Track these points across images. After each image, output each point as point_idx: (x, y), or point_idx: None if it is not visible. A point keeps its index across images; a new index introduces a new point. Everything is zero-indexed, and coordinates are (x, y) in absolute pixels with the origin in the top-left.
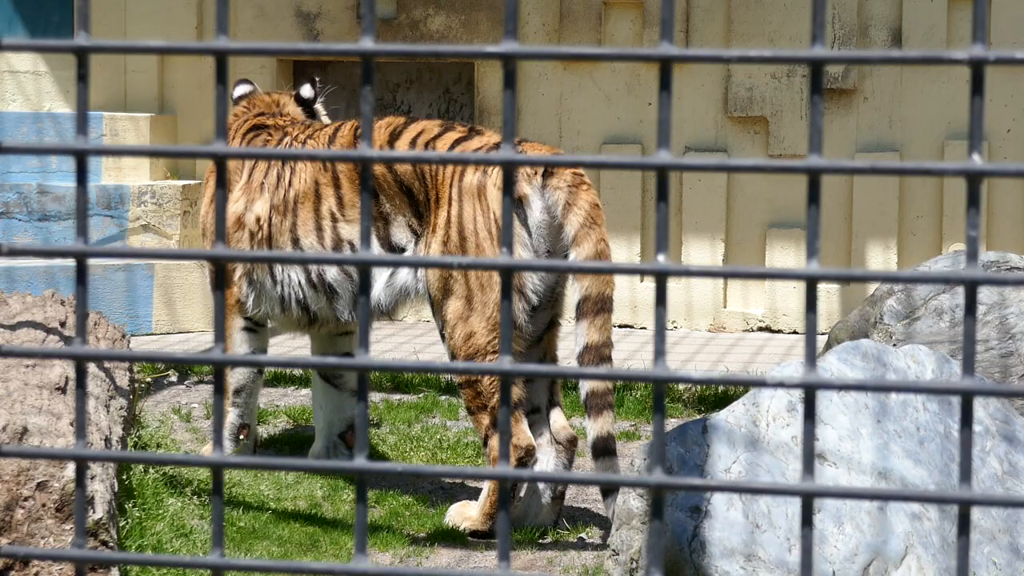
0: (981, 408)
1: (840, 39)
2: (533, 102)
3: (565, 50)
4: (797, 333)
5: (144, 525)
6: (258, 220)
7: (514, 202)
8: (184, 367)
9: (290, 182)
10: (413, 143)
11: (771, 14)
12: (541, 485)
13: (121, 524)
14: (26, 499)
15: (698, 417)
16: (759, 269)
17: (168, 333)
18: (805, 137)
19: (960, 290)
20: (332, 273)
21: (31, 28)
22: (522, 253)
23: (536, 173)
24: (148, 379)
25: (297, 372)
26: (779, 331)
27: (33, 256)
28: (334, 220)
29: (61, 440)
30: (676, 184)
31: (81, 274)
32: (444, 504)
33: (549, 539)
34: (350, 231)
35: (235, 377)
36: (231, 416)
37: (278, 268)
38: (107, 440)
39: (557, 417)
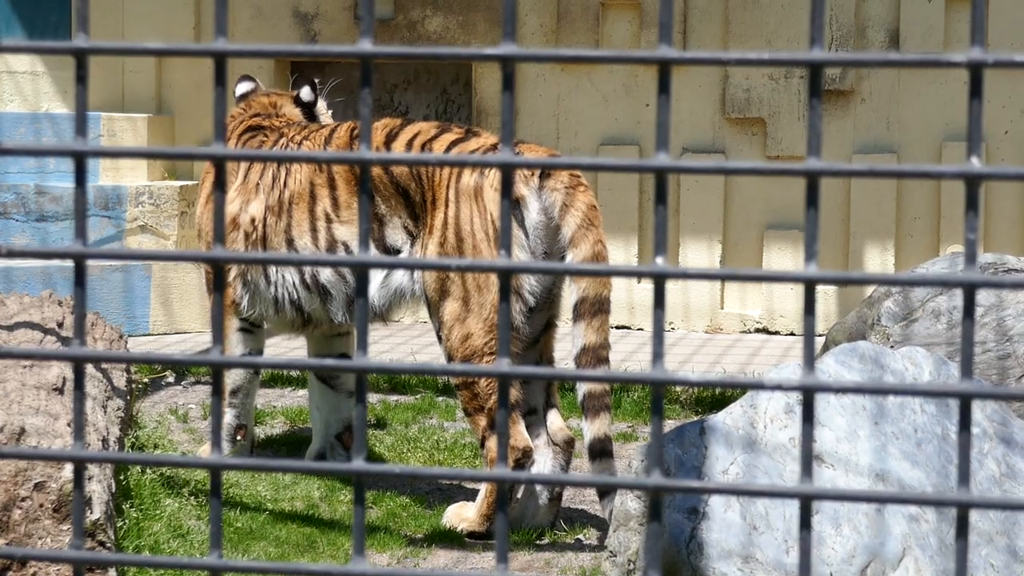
0: (979, 410)
1: (837, 40)
2: (531, 103)
3: (564, 52)
4: (794, 334)
5: (142, 526)
6: (253, 221)
7: (511, 202)
8: (182, 368)
9: (285, 183)
10: (409, 145)
11: (769, 15)
12: (539, 487)
13: (119, 524)
14: (24, 499)
15: (696, 419)
16: (758, 272)
17: (165, 333)
18: (802, 138)
19: (958, 292)
20: (326, 274)
21: (29, 28)
22: (519, 255)
23: (533, 175)
24: (145, 380)
25: (294, 373)
26: (776, 332)
27: (32, 257)
28: (328, 221)
29: (58, 441)
30: (674, 185)
31: (80, 275)
32: (441, 505)
33: (546, 540)
34: (344, 232)
35: (232, 378)
36: (228, 417)
37: (272, 269)
38: (104, 441)
39: (554, 419)
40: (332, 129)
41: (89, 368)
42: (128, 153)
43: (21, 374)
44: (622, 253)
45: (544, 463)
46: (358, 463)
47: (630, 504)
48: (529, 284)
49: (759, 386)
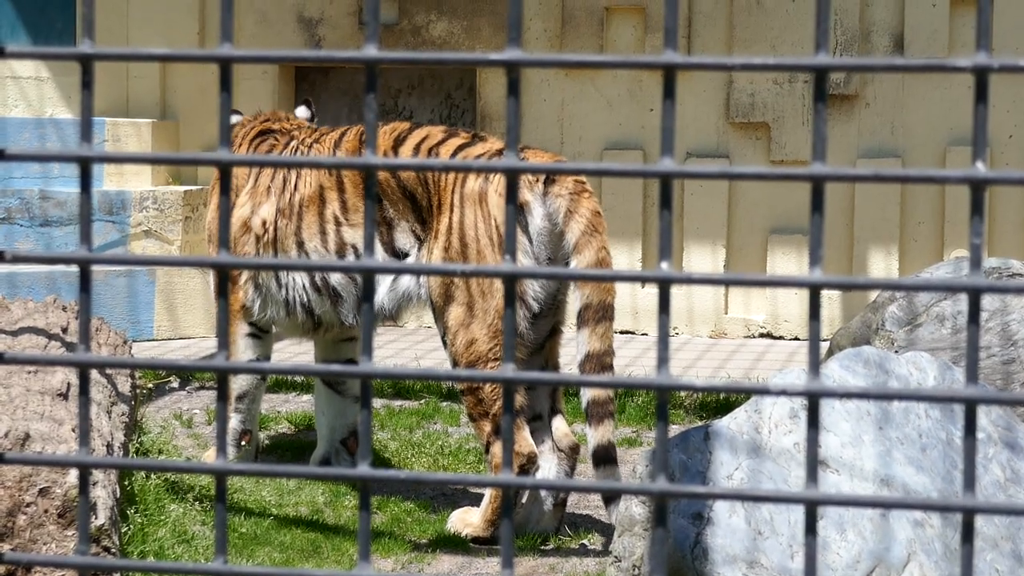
0: (983, 415)
1: (842, 45)
2: (535, 108)
3: (569, 58)
4: (799, 339)
5: (146, 531)
6: (264, 224)
7: (516, 209)
8: (186, 373)
9: (296, 186)
10: (416, 149)
11: (773, 20)
12: (543, 492)
13: (123, 530)
14: (28, 505)
15: (700, 424)
16: (762, 277)
17: (170, 339)
18: (807, 143)
19: (962, 297)
20: (336, 277)
21: (34, 34)
22: (523, 260)
23: (538, 180)
24: (150, 385)
25: (298, 378)
26: (780, 337)
27: (36, 262)
28: (338, 224)
29: (63, 446)
30: (678, 190)
31: (84, 280)
32: (446, 510)
33: (551, 545)
34: (353, 235)
35: (238, 383)
36: (233, 422)
37: (283, 271)
38: (109, 446)
39: (559, 424)
40: (342, 133)
41: (94, 373)
42: (133, 159)
43: (26, 379)
44: (626, 258)
45: (549, 469)
46: (363, 468)
47: (635, 509)
48: (533, 290)
49: (764, 391)
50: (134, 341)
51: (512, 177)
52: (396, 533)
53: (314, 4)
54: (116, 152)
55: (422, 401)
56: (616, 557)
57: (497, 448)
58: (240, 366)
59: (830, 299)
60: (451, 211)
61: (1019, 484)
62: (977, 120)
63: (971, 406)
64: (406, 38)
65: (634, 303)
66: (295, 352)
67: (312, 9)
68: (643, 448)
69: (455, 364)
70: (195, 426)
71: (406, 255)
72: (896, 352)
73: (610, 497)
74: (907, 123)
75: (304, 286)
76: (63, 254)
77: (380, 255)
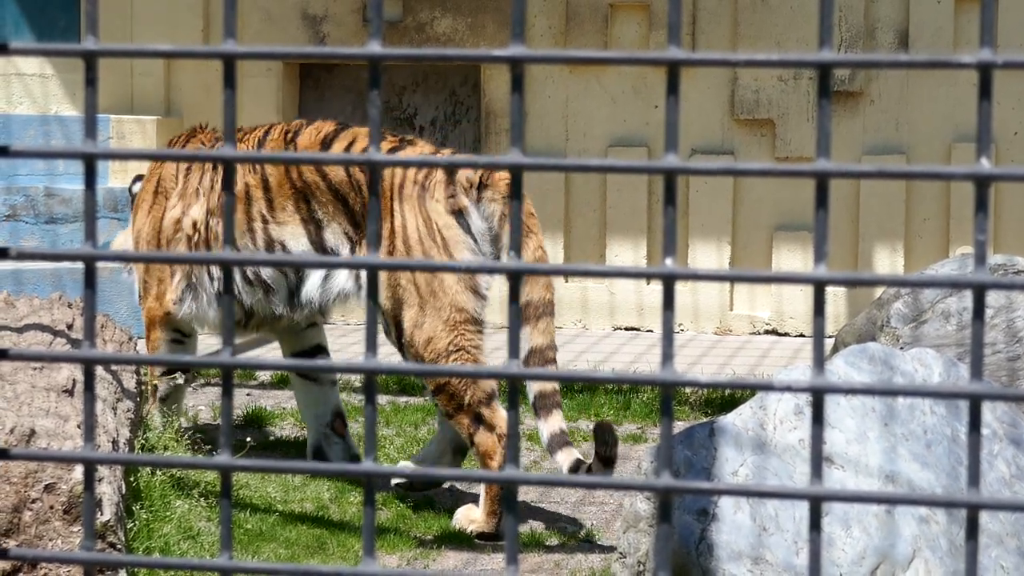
0: (988, 412)
1: (846, 41)
2: (539, 105)
3: (573, 54)
4: (804, 336)
5: (152, 527)
6: (195, 224)
7: (455, 212)
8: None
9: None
10: (346, 151)
11: (778, 17)
12: (449, 447)
13: (129, 526)
14: (34, 501)
15: (705, 420)
16: (767, 273)
17: None
18: (811, 139)
19: (967, 293)
20: (267, 270)
21: (37, 31)
22: (470, 256)
23: (472, 186)
24: (155, 382)
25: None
26: (786, 334)
27: (42, 259)
28: (265, 222)
29: (68, 442)
30: (683, 187)
31: (90, 277)
32: (450, 506)
33: (556, 541)
34: (280, 232)
35: (162, 387)
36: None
37: (215, 266)
38: (114, 442)
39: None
40: (266, 130)
41: (99, 370)
42: (137, 155)
43: (31, 376)
44: (631, 254)
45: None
46: (368, 464)
47: (640, 505)
48: (485, 282)
49: (769, 387)
50: (139, 338)
51: (517, 173)
52: (401, 529)
53: (318, 1)
54: (120, 148)
55: (427, 398)
56: (621, 553)
57: (481, 437)
58: (242, 362)
59: (835, 296)
60: (392, 217)
61: None
62: (981, 117)
63: (976, 402)
64: (410, 35)
65: (639, 300)
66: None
67: (316, 6)
68: (648, 445)
69: (417, 362)
70: (200, 422)
71: (336, 253)
72: (901, 349)
73: (576, 468)
74: (912, 120)
75: (237, 280)
76: (68, 251)
77: (307, 250)
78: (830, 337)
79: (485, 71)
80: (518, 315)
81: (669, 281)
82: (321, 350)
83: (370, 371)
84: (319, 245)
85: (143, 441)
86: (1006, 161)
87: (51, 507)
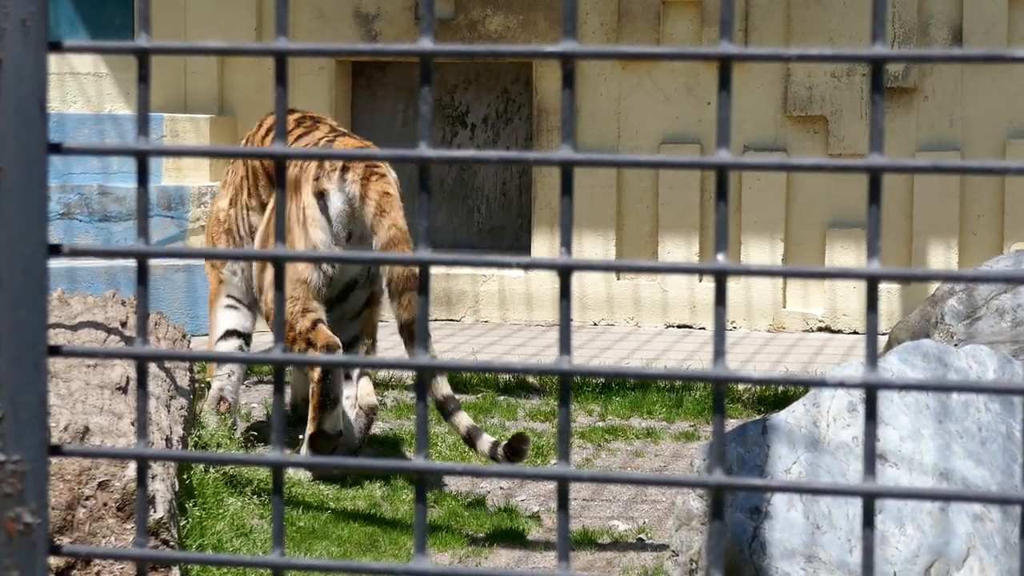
0: None
1: (900, 38)
2: (591, 102)
3: (624, 49)
4: (857, 333)
5: (204, 524)
6: (224, 212)
7: (318, 194)
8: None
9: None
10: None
11: (830, 13)
12: (347, 405)
13: (182, 523)
14: (87, 498)
15: (758, 417)
16: (819, 269)
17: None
18: (865, 136)
19: (1022, 290)
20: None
21: (92, 30)
22: (323, 236)
23: (335, 169)
24: (208, 379)
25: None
26: (839, 331)
27: (94, 256)
28: (247, 210)
29: (122, 440)
30: (735, 183)
31: (142, 274)
32: (503, 505)
33: (608, 539)
34: (256, 219)
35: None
36: (212, 388)
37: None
38: (168, 440)
39: (365, 385)
40: (258, 126)
41: (152, 367)
42: (190, 152)
43: (85, 373)
44: (683, 251)
45: (351, 418)
46: (419, 461)
47: (692, 503)
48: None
49: (822, 384)
50: (193, 336)
51: (568, 169)
52: (453, 527)
53: (371, 0)
54: (172, 145)
55: (479, 395)
56: (673, 551)
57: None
58: (295, 358)
59: (889, 293)
60: (273, 197)
61: None
62: None
63: None
64: (462, 32)
65: (691, 297)
66: None
67: (368, 4)
68: (700, 442)
69: (268, 319)
70: (253, 419)
71: None
72: (955, 346)
73: (472, 442)
74: (966, 116)
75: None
76: (121, 248)
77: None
78: (884, 334)
79: (537, 68)
80: (568, 311)
81: (721, 277)
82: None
83: (422, 368)
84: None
85: (196, 438)
86: None
87: (104, 504)
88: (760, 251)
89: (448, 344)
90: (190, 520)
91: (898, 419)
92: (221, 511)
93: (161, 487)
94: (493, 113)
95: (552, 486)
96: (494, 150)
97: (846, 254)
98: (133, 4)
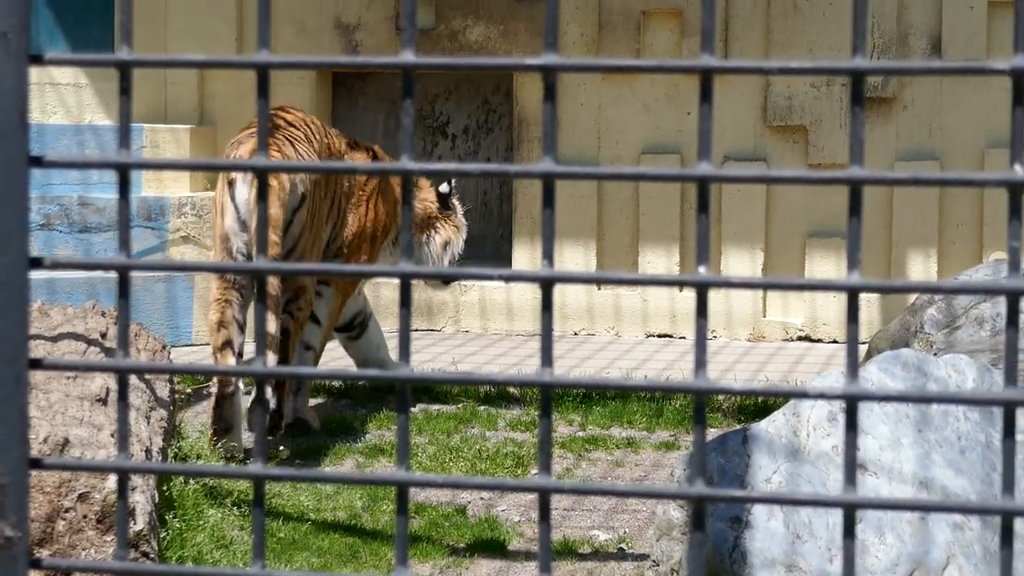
0: (1022, 417)
1: (879, 47)
2: (572, 112)
3: (606, 62)
4: (837, 342)
5: (184, 536)
6: None
7: (228, 183)
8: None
9: None
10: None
11: (810, 23)
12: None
13: (162, 535)
14: (67, 510)
15: (738, 427)
16: (800, 281)
17: (208, 344)
18: (844, 145)
19: (1001, 299)
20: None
21: (72, 41)
22: (230, 222)
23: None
24: (188, 390)
25: (335, 384)
26: (819, 340)
27: (76, 269)
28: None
29: (102, 451)
30: (715, 193)
31: (123, 287)
32: (483, 515)
33: (589, 549)
34: None
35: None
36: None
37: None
38: (148, 451)
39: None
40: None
41: (132, 378)
42: (171, 165)
43: (65, 385)
44: (664, 261)
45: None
46: (401, 473)
47: (673, 513)
48: (236, 245)
49: (803, 395)
50: (173, 346)
51: (549, 182)
52: (434, 537)
53: (351, 10)
54: (154, 158)
55: (459, 405)
56: (654, 561)
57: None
58: (276, 371)
59: (869, 302)
60: None
61: None
62: (1015, 123)
63: (1010, 408)
64: (443, 43)
65: (672, 306)
66: (333, 357)
67: (349, 15)
68: (680, 452)
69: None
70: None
71: None
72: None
73: (227, 430)
74: (945, 125)
75: None
76: (102, 261)
77: None
78: (863, 343)
79: (518, 79)
80: (550, 323)
81: (703, 289)
82: (360, 314)
83: (403, 380)
84: None
85: (176, 450)
86: None
87: (84, 516)
88: (740, 261)
89: (429, 354)
90: (170, 532)
91: (878, 428)
92: (201, 523)
93: (141, 499)
94: (474, 123)
95: (534, 496)
96: (475, 160)
97: (826, 263)
98: (113, 15)
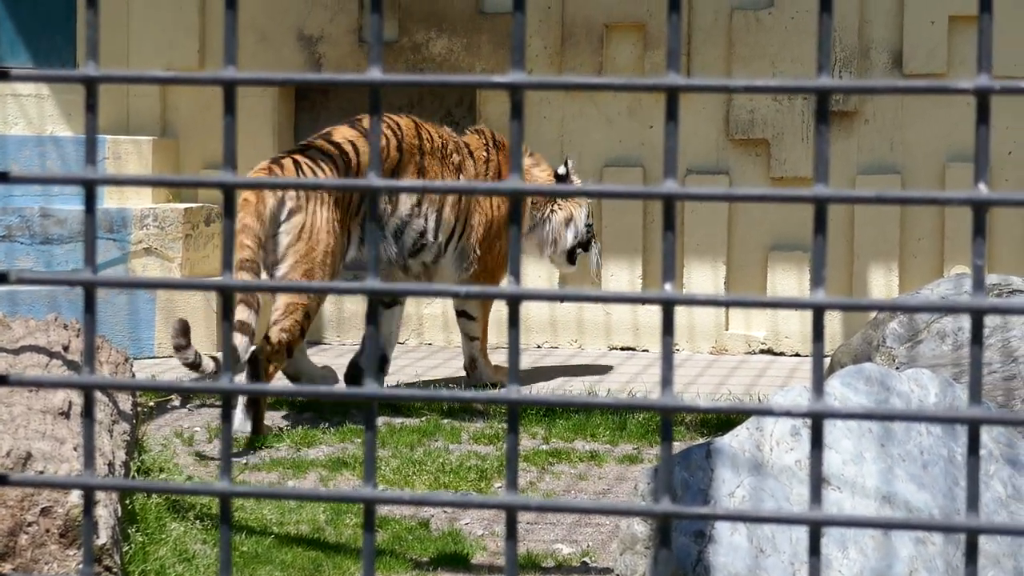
0: (985, 432)
1: (841, 62)
2: (535, 125)
3: (573, 80)
4: (799, 356)
5: (147, 550)
6: None
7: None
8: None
9: None
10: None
11: (772, 37)
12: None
13: (124, 549)
14: (30, 524)
15: (702, 441)
16: (766, 299)
17: (170, 356)
18: (806, 159)
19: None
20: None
21: (34, 51)
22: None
23: None
24: (151, 403)
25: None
26: (781, 353)
27: (42, 284)
28: None
29: (65, 465)
30: (678, 207)
31: (89, 303)
32: (446, 528)
33: (552, 563)
34: None
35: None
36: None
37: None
38: (111, 465)
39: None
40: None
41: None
42: (139, 181)
43: (27, 398)
44: (626, 274)
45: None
46: (368, 490)
47: (636, 527)
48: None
49: (768, 412)
50: (135, 359)
51: (516, 199)
52: (397, 551)
53: (315, 22)
54: (121, 175)
55: (423, 419)
56: (618, 575)
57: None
58: (243, 387)
59: (831, 316)
60: None
61: (1020, 501)
62: (979, 142)
63: (975, 427)
64: (406, 55)
65: (635, 320)
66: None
67: (312, 27)
68: (644, 465)
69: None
70: (196, 444)
71: None
72: (897, 369)
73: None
74: (907, 140)
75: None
76: (69, 278)
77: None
78: (826, 357)
79: (481, 92)
80: (517, 339)
81: (668, 306)
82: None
83: (370, 398)
84: None
85: (139, 463)
86: (1000, 181)
87: (47, 531)
88: (703, 274)
89: (392, 367)
90: (133, 546)
91: (841, 443)
92: (164, 536)
93: (104, 513)
94: None
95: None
96: None
97: (788, 277)
98: (75, 24)
